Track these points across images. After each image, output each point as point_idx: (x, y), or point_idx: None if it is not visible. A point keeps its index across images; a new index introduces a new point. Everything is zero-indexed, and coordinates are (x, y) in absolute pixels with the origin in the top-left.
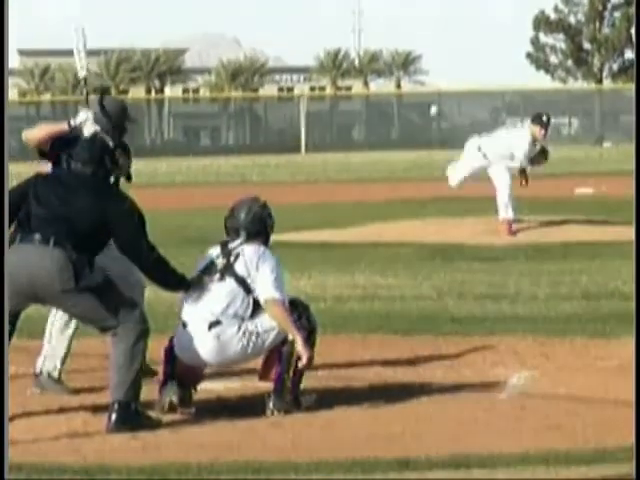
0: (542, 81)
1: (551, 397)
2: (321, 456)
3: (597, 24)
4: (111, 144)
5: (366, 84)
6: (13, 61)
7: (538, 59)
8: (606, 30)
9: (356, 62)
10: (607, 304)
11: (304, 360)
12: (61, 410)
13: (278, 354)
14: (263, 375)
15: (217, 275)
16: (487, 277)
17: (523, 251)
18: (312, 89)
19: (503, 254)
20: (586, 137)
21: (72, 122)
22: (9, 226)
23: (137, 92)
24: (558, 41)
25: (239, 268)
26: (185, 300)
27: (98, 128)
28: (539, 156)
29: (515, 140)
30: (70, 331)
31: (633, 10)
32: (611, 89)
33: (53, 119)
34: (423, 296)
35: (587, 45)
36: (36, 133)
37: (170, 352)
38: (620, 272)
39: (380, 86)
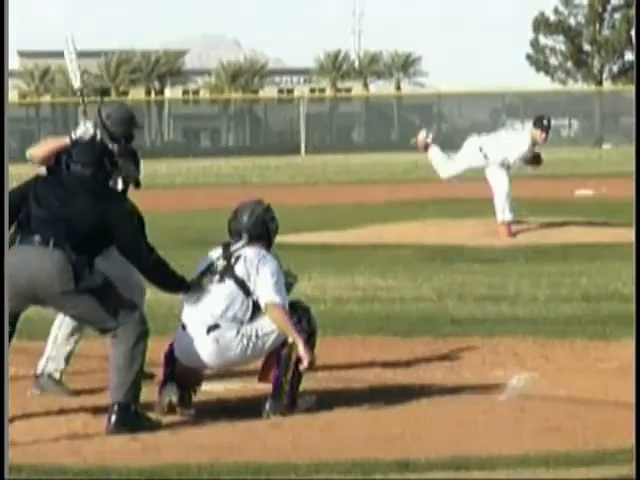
0: (542, 83)
1: (551, 399)
2: (321, 457)
3: (597, 26)
4: (111, 147)
5: (366, 86)
6: (13, 62)
7: (538, 61)
8: (606, 32)
9: (356, 64)
10: (607, 306)
11: (305, 364)
12: (61, 411)
13: (277, 357)
14: (262, 376)
15: (217, 277)
16: (487, 279)
17: (523, 253)
18: (312, 91)
19: (503, 255)
20: (586, 139)
21: (73, 136)
22: (9, 227)
23: (137, 93)
24: (558, 43)
25: (239, 270)
26: (185, 302)
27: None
28: (532, 161)
29: (515, 142)
30: (77, 336)
31: (633, 12)
32: (611, 91)
33: (53, 120)
34: (423, 298)
35: (587, 47)
36: (40, 151)
37: (170, 354)
38: (620, 274)
39: (380, 88)
